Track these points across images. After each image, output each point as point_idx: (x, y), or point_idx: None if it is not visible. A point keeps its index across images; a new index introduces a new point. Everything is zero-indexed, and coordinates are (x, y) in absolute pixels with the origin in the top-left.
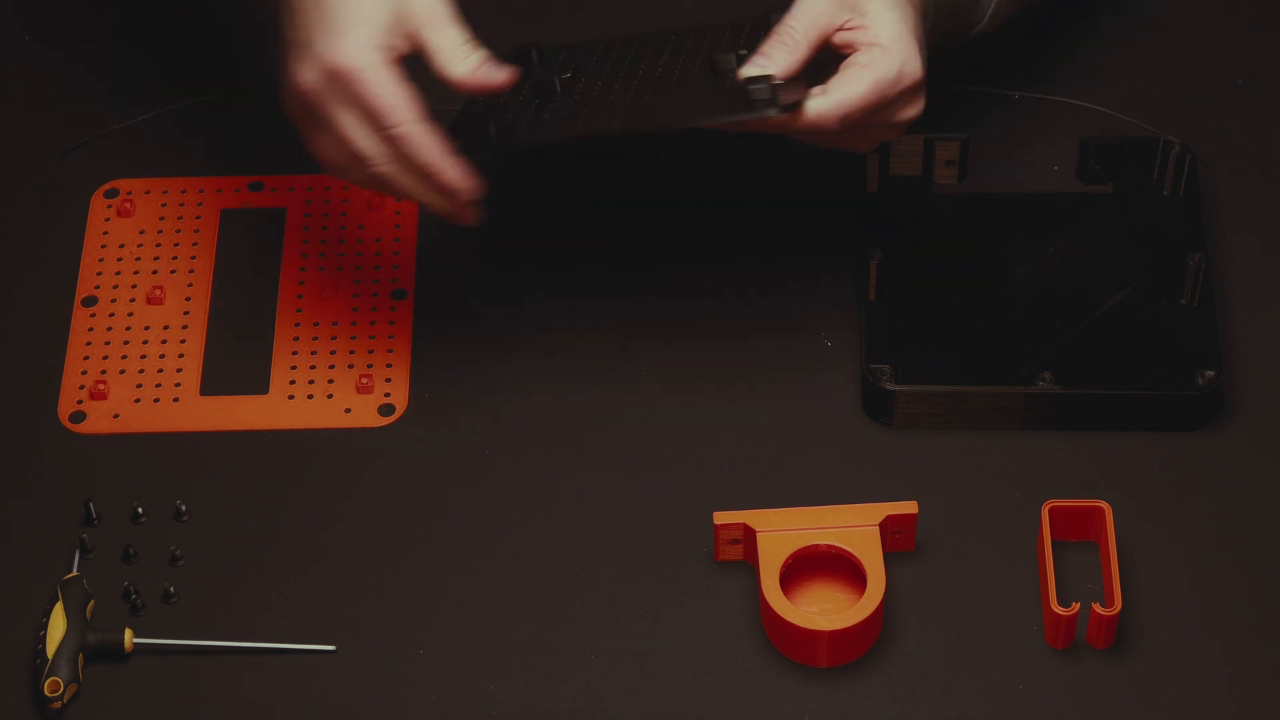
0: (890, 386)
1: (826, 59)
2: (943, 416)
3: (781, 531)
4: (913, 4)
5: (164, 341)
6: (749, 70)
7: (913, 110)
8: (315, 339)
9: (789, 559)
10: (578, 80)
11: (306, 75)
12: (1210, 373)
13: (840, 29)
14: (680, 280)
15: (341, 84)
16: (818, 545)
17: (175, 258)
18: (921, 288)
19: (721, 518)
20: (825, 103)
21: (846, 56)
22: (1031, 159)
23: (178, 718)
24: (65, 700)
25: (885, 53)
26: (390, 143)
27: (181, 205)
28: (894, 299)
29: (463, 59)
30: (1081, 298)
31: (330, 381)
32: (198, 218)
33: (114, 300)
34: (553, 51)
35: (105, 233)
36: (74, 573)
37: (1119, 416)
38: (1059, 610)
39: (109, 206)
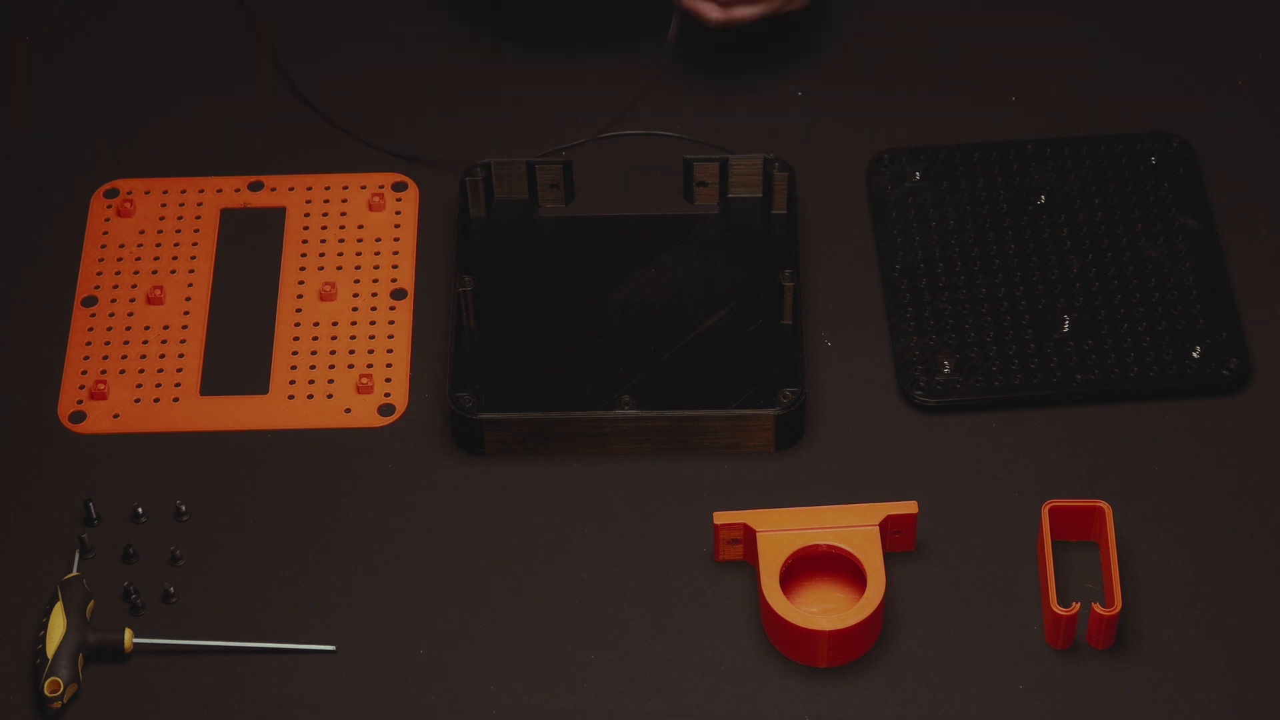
0: (477, 416)
1: None
2: (529, 444)
3: (781, 531)
4: None
5: (164, 341)
6: None
7: None
8: (315, 339)
9: (789, 559)
10: None
11: None
12: (793, 390)
13: None
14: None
15: None
16: (818, 545)
17: (175, 258)
18: (515, 314)
19: (721, 518)
20: None
21: None
22: (639, 182)
23: (178, 718)
24: (65, 700)
25: None
26: None
27: (181, 205)
28: (489, 326)
29: None
30: (678, 320)
31: (330, 381)
32: (198, 218)
33: (114, 300)
34: None
35: (105, 233)
36: (74, 573)
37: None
38: (1059, 610)
39: (109, 206)
